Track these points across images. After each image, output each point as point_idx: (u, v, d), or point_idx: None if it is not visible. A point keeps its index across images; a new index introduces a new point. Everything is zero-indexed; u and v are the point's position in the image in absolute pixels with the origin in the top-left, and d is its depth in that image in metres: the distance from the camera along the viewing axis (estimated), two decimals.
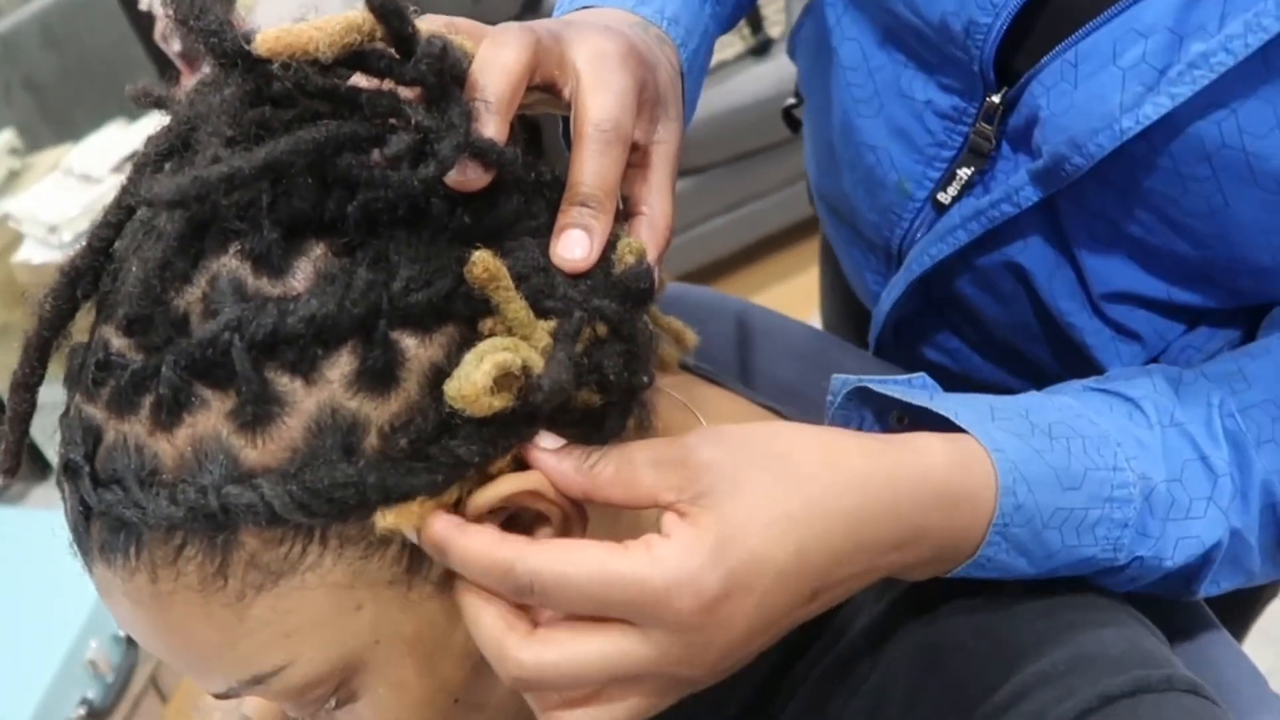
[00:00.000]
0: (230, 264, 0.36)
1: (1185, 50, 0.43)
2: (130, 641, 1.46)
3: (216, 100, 0.37)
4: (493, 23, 0.43)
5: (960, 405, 0.43)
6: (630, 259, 0.41)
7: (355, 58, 0.37)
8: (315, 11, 0.38)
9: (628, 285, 0.41)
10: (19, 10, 2.21)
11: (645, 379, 0.42)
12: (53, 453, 0.40)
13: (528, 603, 0.37)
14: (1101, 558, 0.43)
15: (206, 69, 0.39)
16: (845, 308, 0.85)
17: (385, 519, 0.37)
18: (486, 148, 0.38)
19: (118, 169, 1.86)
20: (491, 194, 0.39)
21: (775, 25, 2.07)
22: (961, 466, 0.40)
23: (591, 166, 0.41)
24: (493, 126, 0.38)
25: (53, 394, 0.40)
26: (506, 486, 0.39)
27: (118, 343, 0.37)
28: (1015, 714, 0.39)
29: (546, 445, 0.40)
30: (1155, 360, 0.55)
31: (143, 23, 2.10)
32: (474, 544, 0.37)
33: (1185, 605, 0.54)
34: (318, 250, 0.37)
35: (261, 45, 0.35)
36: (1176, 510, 0.44)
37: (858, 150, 0.62)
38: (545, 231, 0.40)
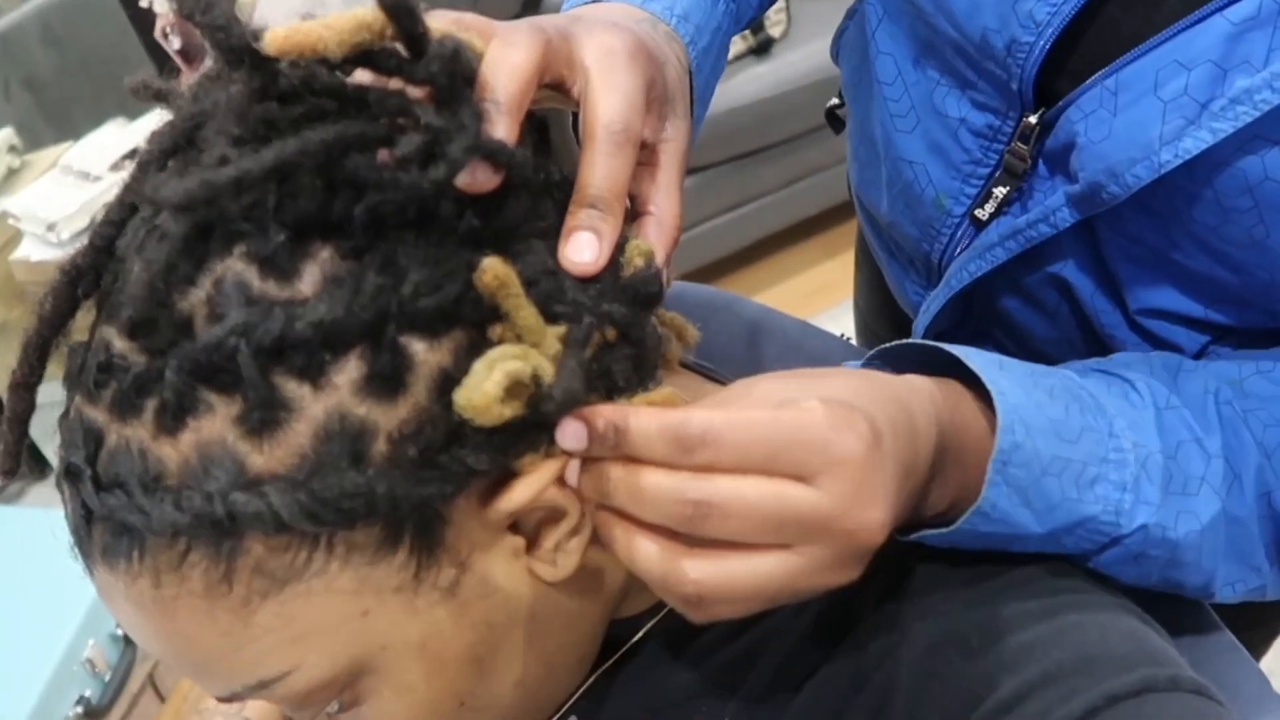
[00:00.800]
0: (236, 266, 0.36)
1: (1229, 85, 0.43)
2: (128, 640, 1.45)
3: (222, 96, 0.36)
4: (492, 19, 0.42)
5: (972, 352, 0.44)
6: (639, 261, 0.41)
7: (365, 56, 0.37)
8: (322, 8, 0.38)
9: (637, 288, 0.41)
10: (19, 8, 2.20)
11: (652, 384, 0.42)
12: (50, 451, 0.39)
13: (694, 461, 0.36)
14: (1104, 520, 0.43)
15: (208, 64, 0.38)
16: (885, 306, 0.84)
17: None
18: (497, 149, 0.37)
19: (117, 167, 1.86)
20: (500, 196, 0.38)
21: (776, 25, 2.07)
22: (950, 401, 0.43)
23: (601, 168, 0.40)
24: (503, 128, 0.38)
25: (51, 393, 0.40)
26: (539, 481, 0.39)
27: (120, 344, 0.37)
28: (1019, 714, 0.39)
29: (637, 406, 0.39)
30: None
31: (142, 21, 2.10)
32: (647, 414, 0.37)
33: (1189, 604, 0.54)
34: (325, 253, 0.36)
35: (270, 44, 0.35)
36: (1174, 485, 0.45)
37: (896, 165, 0.62)
38: (554, 233, 0.40)
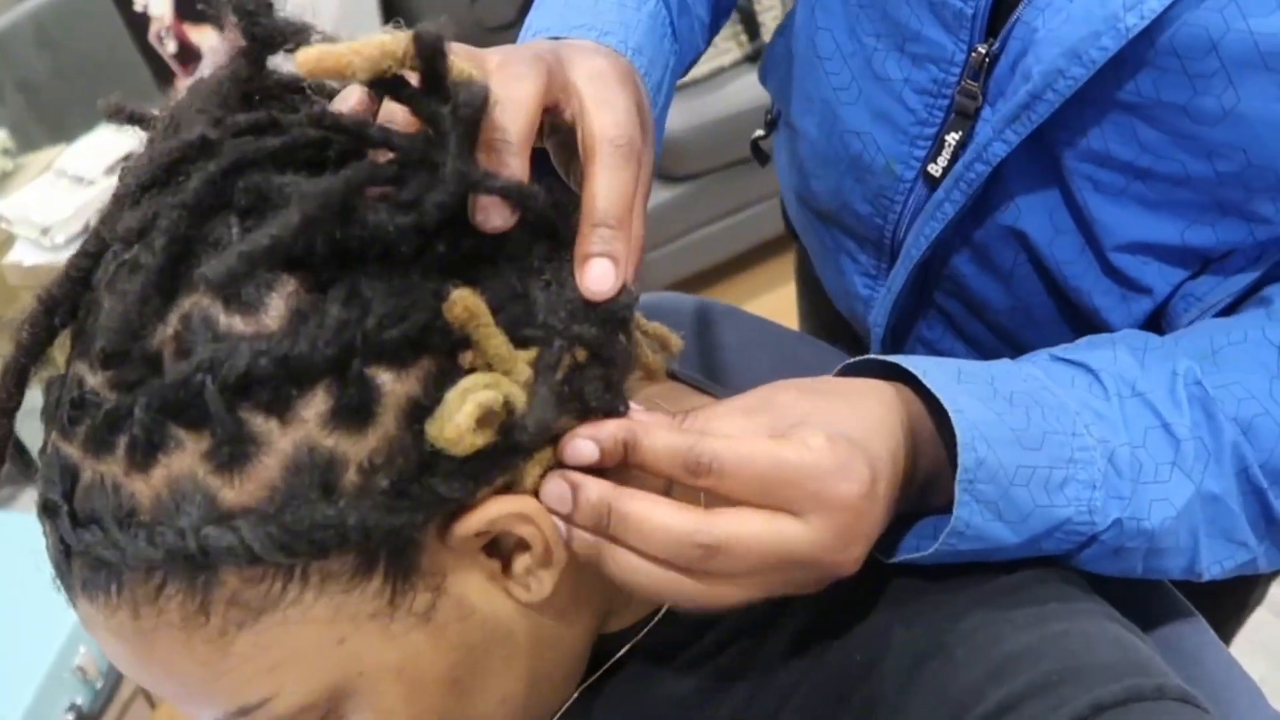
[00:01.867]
0: (203, 302, 0.36)
1: None
2: None
3: (211, 83, 0.37)
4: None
5: (930, 365, 0.45)
6: None
7: (388, 84, 0.37)
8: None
9: (609, 309, 0.40)
10: (12, 10, 2.20)
11: (622, 406, 0.42)
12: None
13: (700, 484, 0.39)
14: (1078, 521, 0.44)
15: (203, 69, 0.38)
16: (828, 327, 0.85)
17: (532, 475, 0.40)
18: (514, 190, 0.38)
19: (110, 171, 1.86)
20: (465, 223, 0.38)
21: (771, 32, 2.07)
22: (904, 402, 0.44)
23: (608, 183, 0.40)
24: (516, 166, 0.38)
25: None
26: (495, 509, 0.39)
27: (92, 380, 0.37)
28: None
29: (639, 415, 0.41)
30: (1161, 310, 0.55)
31: (137, 24, 2.10)
32: (658, 431, 0.40)
33: (1162, 595, 0.55)
34: (290, 286, 0.36)
35: (302, 65, 0.35)
36: (1144, 474, 0.45)
37: (844, 139, 0.62)
38: (522, 255, 0.40)
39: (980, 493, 0.42)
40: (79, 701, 1.39)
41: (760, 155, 0.82)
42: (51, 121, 2.21)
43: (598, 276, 0.39)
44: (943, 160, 0.56)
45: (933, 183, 0.58)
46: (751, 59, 2.06)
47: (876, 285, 0.66)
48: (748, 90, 2.01)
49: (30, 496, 1.95)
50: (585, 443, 0.40)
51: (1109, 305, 0.55)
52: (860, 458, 0.39)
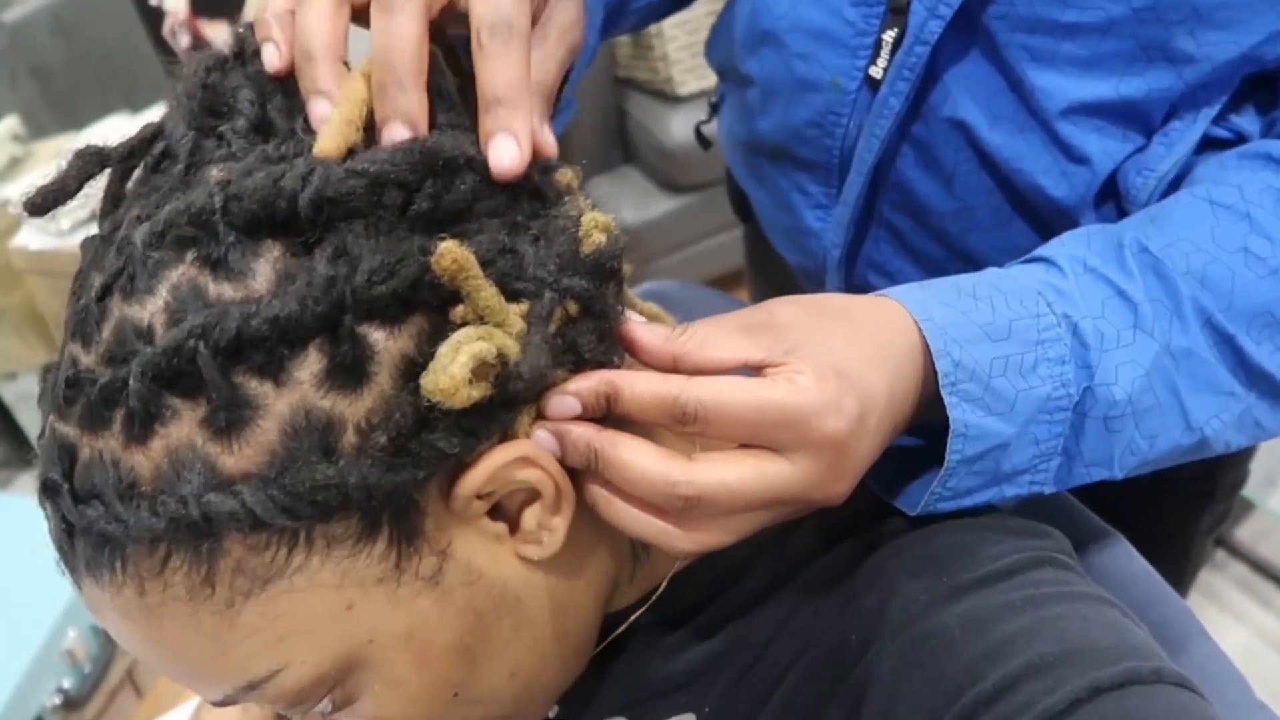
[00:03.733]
0: (190, 272, 0.36)
1: None
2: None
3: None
4: None
5: (893, 290, 0.46)
6: (599, 236, 0.41)
7: None
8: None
9: (598, 262, 0.41)
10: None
11: (617, 359, 0.42)
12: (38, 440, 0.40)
13: (688, 430, 0.40)
14: (1056, 395, 0.45)
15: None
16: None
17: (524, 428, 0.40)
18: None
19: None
20: (448, 177, 0.38)
21: None
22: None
23: (493, 66, 0.40)
24: (404, 102, 0.39)
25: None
26: (497, 458, 0.39)
27: (85, 359, 0.37)
28: (1003, 705, 0.39)
29: (638, 327, 0.42)
30: (1109, 184, 0.57)
31: (151, 16, 2.11)
32: (641, 381, 0.40)
33: (1072, 511, 0.57)
34: (276, 251, 0.37)
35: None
36: (1107, 342, 0.46)
37: (789, 65, 0.64)
38: (505, 210, 0.40)
39: (965, 391, 0.43)
40: (66, 685, 1.39)
41: (703, 141, 0.84)
42: (63, 109, 2.22)
43: (497, 151, 0.39)
44: (882, 61, 0.59)
45: (875, 85, 0.60)
46: None
47: (828, 215, 0.67)
48: None
49: (23, 480, 1.96)
50: (566, 397, 0.40)
51: (1051, 182, 0.57)
52: (850, 393, 0.40)
